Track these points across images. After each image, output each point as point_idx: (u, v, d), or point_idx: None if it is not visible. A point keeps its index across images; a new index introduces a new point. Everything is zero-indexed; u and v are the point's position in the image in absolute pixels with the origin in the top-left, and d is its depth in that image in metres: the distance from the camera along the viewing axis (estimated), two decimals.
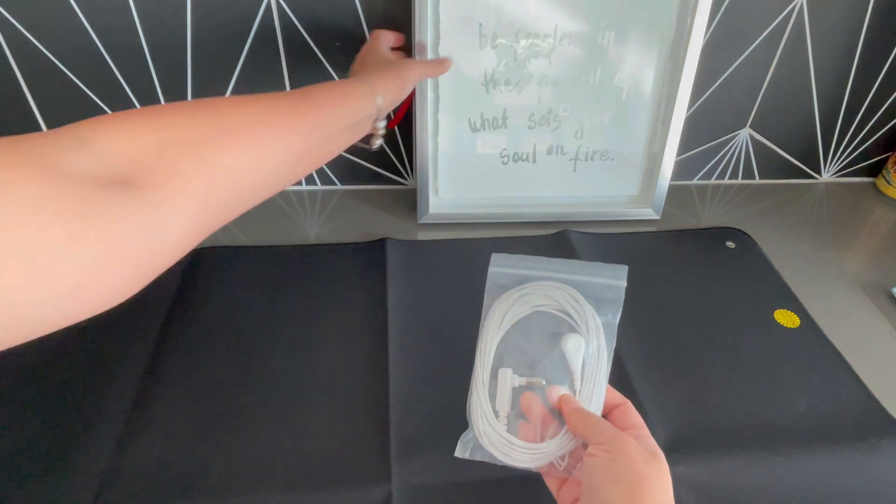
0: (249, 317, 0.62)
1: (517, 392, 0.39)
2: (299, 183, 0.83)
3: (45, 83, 0.70)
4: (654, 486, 0.33)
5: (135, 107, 0.72)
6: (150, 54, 0.69)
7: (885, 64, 0.78)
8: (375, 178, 0.83)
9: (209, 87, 0.72)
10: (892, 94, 0.81)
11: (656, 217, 0.79)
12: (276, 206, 0.79)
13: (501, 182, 0.76)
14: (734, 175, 0.89)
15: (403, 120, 0.72)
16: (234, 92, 0.73)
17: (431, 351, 0.59)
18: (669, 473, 0.35)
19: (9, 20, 0.65)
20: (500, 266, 0.43)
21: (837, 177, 0.91)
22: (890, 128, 0.85)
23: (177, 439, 0.51)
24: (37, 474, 0.48)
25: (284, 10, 0.67)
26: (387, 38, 0.61)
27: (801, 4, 0.72)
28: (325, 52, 0.71)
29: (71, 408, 0.52)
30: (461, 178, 0.76)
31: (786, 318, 0.65)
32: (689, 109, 0.79)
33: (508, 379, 0.39)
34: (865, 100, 0.82)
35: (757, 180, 0.90)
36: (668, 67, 0.70)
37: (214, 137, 0.35)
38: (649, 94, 0.72)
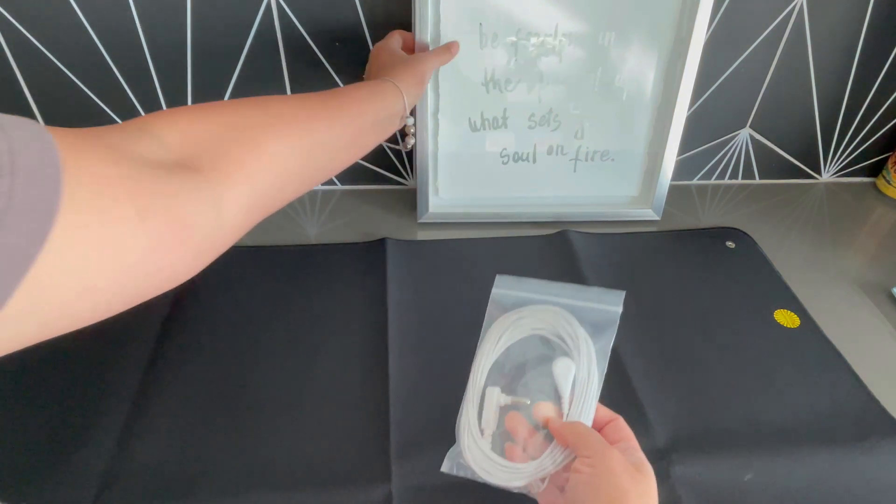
0: (249, 317, 0.62)
1: (504, 411, 0.40)
2: None
3: (45, 83, 0.70)
4: (635, 502, 0.33)
5: (135, 106, 0.72)
6: (150, 54, 0.69)
7: (885, 64, 0.78)
8: (376, 178, 0.83)
9: (209, 86, 0.72)
10: (892, 94, 0.81)
11: (657, 218, 0.79)
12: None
13: (501, 182, 0.76)
14: (734, 175, 0.89)
15: None
16: (233, 91, 0.73)
17: (431, 351, 0.59)
18: (656, 486, 0.35)
19: (9, 20, 0.65)
20: (503, 288, 0.44)
21: (837, 177, 0.91)
22: (890, 128, 0.85)
23: (177, 439, 0.51)
24: (37, 474, 0.48)
25: (284, 10, 0.67)
26: (399, 39, 0.63)
27: (801, 4, 0.72)
28: (325, 51, 0.71)
29: (71, 408, 0.52)
30: (461, 177, 0.76)
31: (786, 318, 0.65)
32: (689, 109, 0.80)
33: (495, 398, 0.40)
34: (865, 100, 0.82)
35: (757, 180, 0.90)
36: (668, 68, 0.70)
37: (260, 126, 0.38)
38: (650, 94, 0.72)
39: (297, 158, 0.41)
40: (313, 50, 0.70)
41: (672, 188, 0.78)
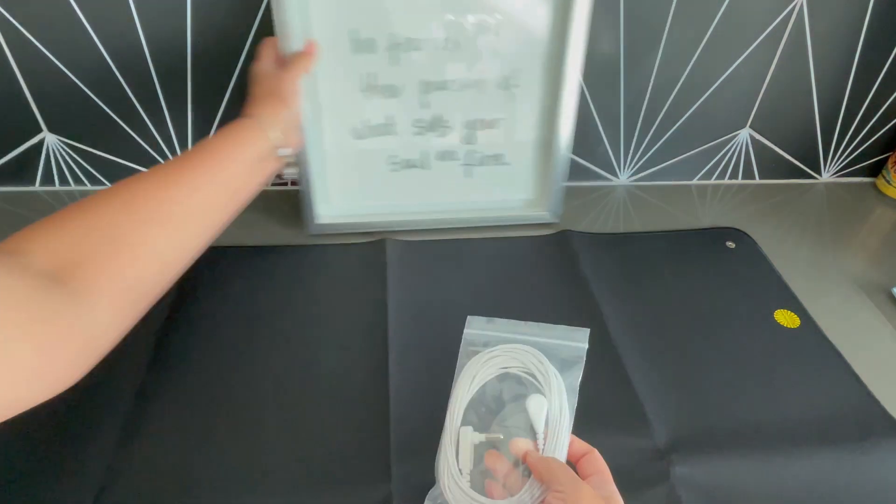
0: (249, 317, 0.62)
1: (480, 449, 0.41)
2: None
3: (45, 83, 0.70)
4: None
5: (135, 106, 0.73)
6: (150, 54, 0.69)
7: (885, 64, 0.78)
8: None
9: (209, 87, 0.72)
10: (892, 94, 0.81)
11: (554, 220, 0.77)
12: (277, 206, 0.79)
13: (392, 189, 0.74)
14: (734, 175, 0.89)
15: None
16: (234, 91, 0.73)
17: (431, 351, 0.59)
18: None
19: (9, 20, 0.65)
20: (475, 328, 0.45)
21: (837, 177, 0.91)
22: (890, 128, 0.85)
23: (177, 439, 0.51)
24: (37, 474, 0.48)
25: None
26: (272, 52, 0.59)
27: (801, 4, 0.72)
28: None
29: (71, 408, 0.52)
30: (349, 186, 0.73)
31: (786, 318, 0.65)
32: (689, 110, 0.80)
33: (469, 437, 0.41)
34: (865, 100, 0.82)
35: (757, 180, 0.90)
36: (551, 64, 0.67)
37: (118, 223, 0.40)
38: (538, 93, 0.69)
39: (165, 238, 0.42)
40: None
41: (672, 188, 0.78)
